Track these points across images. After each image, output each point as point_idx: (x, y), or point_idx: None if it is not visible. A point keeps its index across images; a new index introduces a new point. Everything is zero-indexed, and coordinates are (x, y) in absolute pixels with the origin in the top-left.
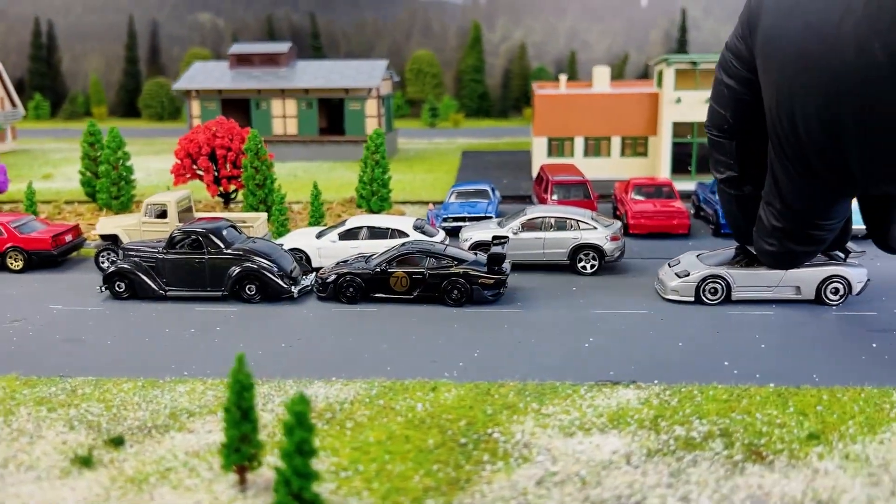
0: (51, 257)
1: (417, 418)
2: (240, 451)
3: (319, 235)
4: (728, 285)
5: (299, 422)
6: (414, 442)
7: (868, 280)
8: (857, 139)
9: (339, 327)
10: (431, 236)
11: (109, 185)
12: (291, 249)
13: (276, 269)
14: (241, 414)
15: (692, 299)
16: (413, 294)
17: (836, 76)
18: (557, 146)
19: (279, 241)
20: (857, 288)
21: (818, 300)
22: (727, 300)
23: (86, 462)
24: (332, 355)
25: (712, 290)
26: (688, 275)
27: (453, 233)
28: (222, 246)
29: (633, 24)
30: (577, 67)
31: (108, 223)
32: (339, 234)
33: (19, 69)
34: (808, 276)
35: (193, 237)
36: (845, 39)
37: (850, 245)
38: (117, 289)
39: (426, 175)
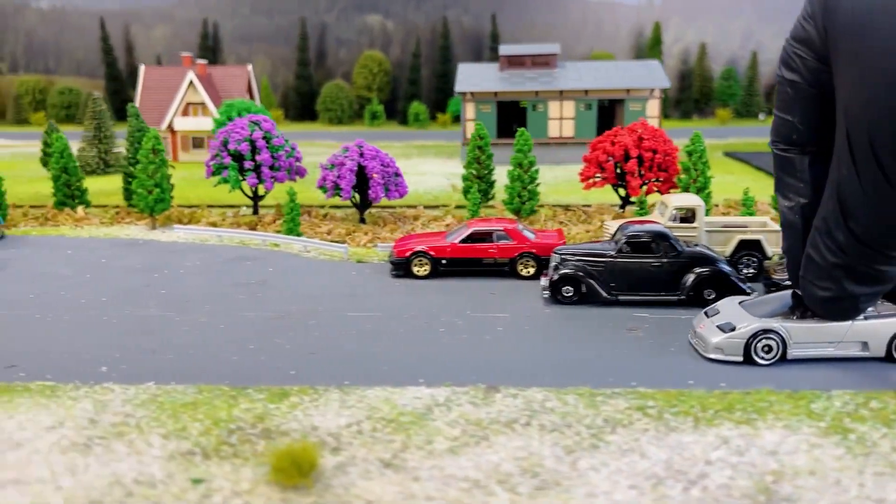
0: None
1: None
2: None
3: None
4: (783, 341)
5: None
6: None
7: None
8: None
9: None
10: None
11: (520, 188)
12: None
13: (734, 273)
14: None
15: (740, 359)
16: None
17: None
18: None
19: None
20: None
21: (888, 357)
22: (782, 358)
23: None
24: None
25: (766, 348)
26: (733, 329)
27: None
28: (679, 250)
29: None
30: (758, 69)
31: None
32: None
33: None
34: (877, 330)
35: (647, 241)
36: None
37: None
38: (564, 294)
39: (726, 177)
